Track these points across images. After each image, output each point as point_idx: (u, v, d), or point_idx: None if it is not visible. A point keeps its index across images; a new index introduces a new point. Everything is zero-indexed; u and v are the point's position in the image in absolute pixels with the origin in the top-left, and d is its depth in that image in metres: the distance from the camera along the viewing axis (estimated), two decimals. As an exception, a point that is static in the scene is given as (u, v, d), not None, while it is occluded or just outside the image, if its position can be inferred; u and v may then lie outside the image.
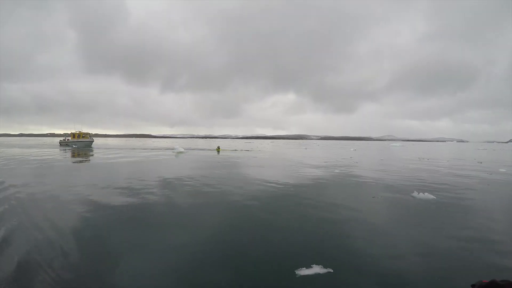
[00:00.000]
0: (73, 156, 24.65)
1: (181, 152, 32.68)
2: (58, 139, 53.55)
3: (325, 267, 3.57)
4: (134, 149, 38.39)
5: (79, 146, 44.12)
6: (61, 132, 58.35)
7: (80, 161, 19.60)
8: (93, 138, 48.65)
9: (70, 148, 40.25)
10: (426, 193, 7.82)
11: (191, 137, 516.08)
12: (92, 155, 26.01)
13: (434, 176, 12.63)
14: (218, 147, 39.31)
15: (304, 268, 3.55)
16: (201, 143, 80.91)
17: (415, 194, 7.96)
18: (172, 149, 37.27)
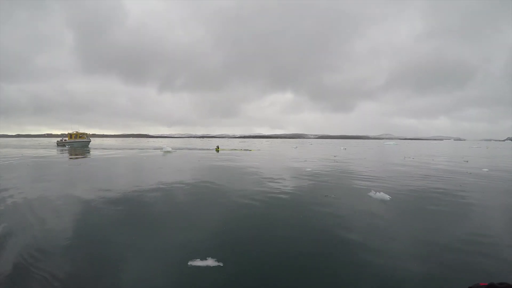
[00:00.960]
0: (60, 155, 24.34)
1: (168, 152, 32.45)
2: (55, 140, 53.49)
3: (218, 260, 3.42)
4: (124, 149, 38.10)
5: (76, 146, 44.17)
6: (59, 133, 58.34)
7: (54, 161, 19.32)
8: (90, 138, 48.80)
9: (66, 148, 40.00)
10: (381, 193, 7.61)
11: (188, 137, 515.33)
12: (73, 155, 25.71)
13: (407, 175, 12.35)
14: (217, 147, 39.22)
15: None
16: (196, 142, 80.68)
17: (371, 193, 7.75)
18: (161, 148, 37.10)
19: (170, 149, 34.97)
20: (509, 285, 0.99)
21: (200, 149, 37.75)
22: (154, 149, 38.84)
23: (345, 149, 42.68)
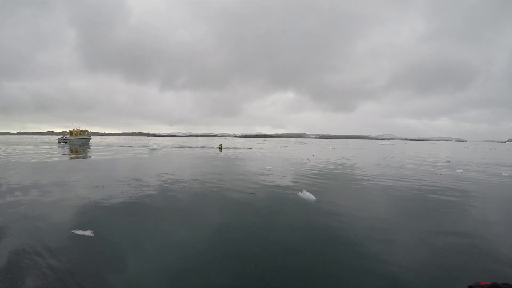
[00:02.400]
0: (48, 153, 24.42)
1: (154, 149, 32.54)
2: (56, 137, 54.36)
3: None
4: (114, 146, 38.39)
5: (77, 143, 44.77)
6: (60, 131, 58.75)
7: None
8: (90, 135, 49.28)
9: (66, 145, 40.44)
10: (308, 193, 7.55)
11: (189, 136, 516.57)
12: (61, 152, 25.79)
13: (366, 175, 12.07)
14: (220, 145, 39.22)
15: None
16: (196, 141, 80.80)
17: (300, 193, 7.68)
18: (147, 146, 37.29)
19: (156, 147, 35.09)
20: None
21: (195, 147, 37.86)
22: (143, 146, 39.00)
23: (334, 148, 42.57)
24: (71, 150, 30.22)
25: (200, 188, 8.65)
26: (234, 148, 37.97)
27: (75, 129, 46.97)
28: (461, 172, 13.43)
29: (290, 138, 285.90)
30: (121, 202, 6.83)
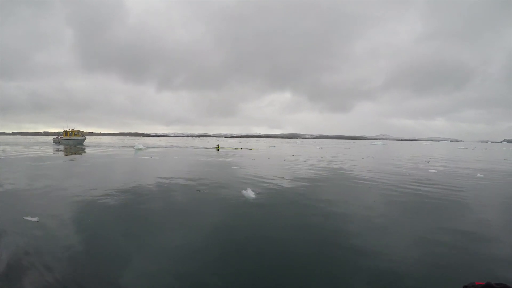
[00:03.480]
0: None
1: (140, 149, 32.46)
2: (51, 138, 53.99)
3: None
4: (100, 146, 38.21)
5: (71, 143, 44.70)
6: (56, 131, 58.23)
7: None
8: (85, 136, 49.29)
9: (62, 146, 40.16)
10: (250, 190, 7.61)
11: (186, 136, 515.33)
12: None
13: (328, 175, 12.16)
14: (218, 146, 39.06)
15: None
16: (190, 141, 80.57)
17: (244, 192, 7.73)
18: (133, 146, 37.16)
19: (141, 147, 35.02)
20: (506, 285, 0.99)
21: (183, 148, 37.81)
22: (129, 147, 38.87)
23: (321, 148, 42.78)
24: (57, 150, 29.97)
25: (145, 184, 8.69)
26: (232, 148, 37.77)
27: (70, 130, 46.91)
28: (434, 173, 13.16)
29: (286, 139, 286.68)
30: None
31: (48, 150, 29.42)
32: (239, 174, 11.56)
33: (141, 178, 10.24)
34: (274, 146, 47.22)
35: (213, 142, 70.61)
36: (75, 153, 24.40)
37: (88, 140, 55.57)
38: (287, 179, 10.69)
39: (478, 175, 12.52)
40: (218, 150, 33.38)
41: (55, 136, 50.00)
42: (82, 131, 48.45)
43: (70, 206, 6.39)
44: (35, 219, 5.37)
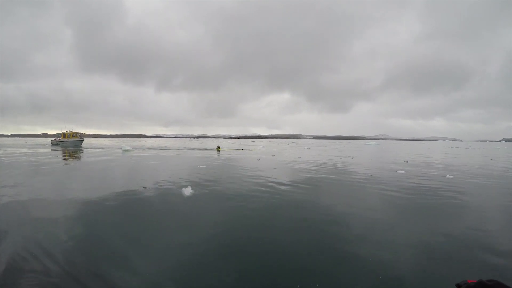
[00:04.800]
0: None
1: (127, 151, 32.85)
2: (50, 139, 54.08)
3: None
4: (93, 148, 38.55)
5: (69, 145, 44.73)
6: (54, 133, 58.21)
7: None
8: (83, 138, 49.43)
9: (61, 147, 40.27)
10: (189, 188, 8.01)
11: (184, 137, 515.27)
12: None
13: (283, 176, 12.31)
14: (218, 147, 39.14)
15: None
16: (187, 142, 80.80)
17: (183, 190, 8.11)
18: (120, 148, 37.58)
19: (128, 148, 35.41)
20: (497, 282, 0.99)
21: (167, 149, 38.17)
22: (116, 148, 39.22)
23: (309, 148, 43.11)
24: (52, 153, 30.28)
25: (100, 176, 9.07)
26: (232, 149, 37.85)
27: (68, 131, 46.95)
28: (401, 173, 12.89)
29: (283, 139, 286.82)
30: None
31: (38, 153, 29.77)
32: (193, 174, 12.04)
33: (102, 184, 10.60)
34: (263, 147, 47.63)
35: (211, 143, 70.71)
36: (69, 156, 24.18)
37: (87, 141, 55.57)
38: (233, 178, 11.14)
39: (448, 176, 12.11)
40: (219, 151, 33.05)
41: (53, 138, 50.16)
42: (80, 133, 48.50)
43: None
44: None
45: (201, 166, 14.53)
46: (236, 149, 38.48)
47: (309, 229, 5.09)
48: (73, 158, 21.24)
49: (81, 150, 34.48)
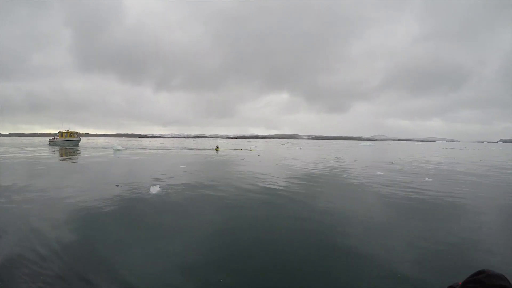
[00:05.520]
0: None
1: (118, 150, 33.18)
2: (47, 139, 54.32)
3: None
4: (87, 148, 38.77)
5: (67, 145, 44.75)
6: (52, 132, 58.15)
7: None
8: (80, 137, 49.61)
9: (58, 147, 40.32)
10: (157, 186, 8.41)
11: (182, 137, 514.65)
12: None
13: (255, 176, 12.24)
14: (217, 147, 39.18)
15: None
16: (183, 142, 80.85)
17: (151, 189, 8.47)
18: (112, 147, 37.89)
19: (120, 148, 35.73)
20: (488, 274, 0.95)
21: (159, 149, 38.47)
22: (109, 148, 39.50)
23: (301, 149, 43.59)
24: (48, 152, 30.50)
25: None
26: (231, 149, 38.02)
27: (65, 131, 47.09)
28: (379, 175, 12.73)
29: (281, 139, 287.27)
30: None
31: (28, 152, 30.01)
32: (169, 173, 12.43)
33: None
34: (256, 147, 48.07)
35: (208, 143, 70.70)
36: (64, 155, 24.45)
37: (85, 141, 55.35)
38: (203, 177, 11.50)
39: (426, 179, 11.64)
40: (217, 151, 33.13)
41: (51, 138, 50.18)
42: (77, 133, 48.70)
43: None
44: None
45: (181, 166, 14.92)
46: (235, 149, 38.64)
47: (249, 225, 5.54)
48: (64, 158, 21.54)
49: (78, 149, 34.75)
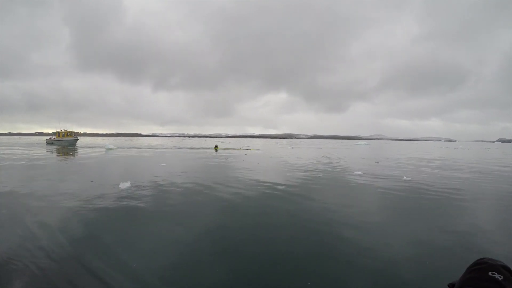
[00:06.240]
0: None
1: (110, 149, 33.40)
2: (45, 138, 54.07)
3: None
4: (84, 147, 38.94)
5: (64, 144, 44.68)
6: (50, 131, 58.17)
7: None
8: (77, 137, 49.59)
9: (56, 146, 40.19)
10: (128, 182, 8.72)
11: (180, 136, 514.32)
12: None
13: (236, 176, 13.01)
14: (216, 146, 39.18)
15: None
16: (180, 141, 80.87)
17: (121, 185, 8.73)
18: (103, 146, 38.08)
19: (112, 147, 35.91)
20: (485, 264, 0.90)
21: (152, 148, 38.62)
22: (100, 147, 39.66)
23: (293, 148, 43.89)
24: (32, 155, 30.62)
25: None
26: (230, 149, 38.01)
27: (62, 131, 47.20)
28: (358, 174, 12.64)
29: (279, 139, 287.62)
30: None
31: (20, 152, 30.18)
32: (149, 171, 12.71)
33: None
34: (248, 146, 48.41)
35: (206, 142, 70.65)
36: (61, 154, 24.53)
37: (82, 140, 55.21)
38: (179, 175, 11.74)
39: (405, 178, 11.44)
40: (216, 150, 33.17)
41: (48, 137, 50.14)
42: (74, 132, 48.84)
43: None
44: None
45: (162, 164, 15.23)
46: (234, 148, 38.71)
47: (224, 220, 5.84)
48: (57, 156, 21.75)
49: (74, 148, 34.90)
